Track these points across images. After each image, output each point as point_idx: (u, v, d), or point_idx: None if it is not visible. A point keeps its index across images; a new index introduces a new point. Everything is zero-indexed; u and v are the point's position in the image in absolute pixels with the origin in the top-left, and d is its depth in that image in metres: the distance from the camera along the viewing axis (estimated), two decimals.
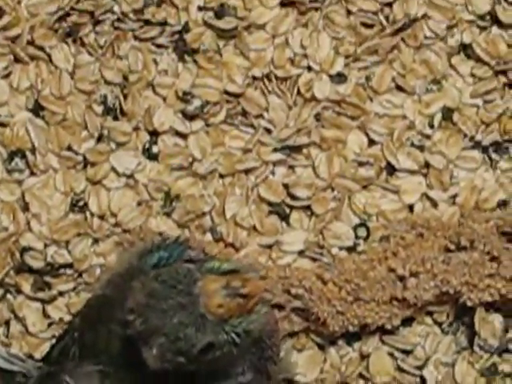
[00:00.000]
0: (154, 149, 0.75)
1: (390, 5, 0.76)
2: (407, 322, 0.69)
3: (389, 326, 0.68)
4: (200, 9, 0.77)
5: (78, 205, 0.72)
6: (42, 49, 0.76)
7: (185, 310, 0.51)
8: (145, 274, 0.57)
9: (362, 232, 0.71)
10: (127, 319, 0.53)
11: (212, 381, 0.58)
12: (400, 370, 0.69)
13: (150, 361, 0.51)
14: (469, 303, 0.67)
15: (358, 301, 0.67)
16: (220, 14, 0.76)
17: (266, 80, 0.76)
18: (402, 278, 0.66)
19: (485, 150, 0.72)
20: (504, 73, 0.73)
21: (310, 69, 0.75)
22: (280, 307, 0.70)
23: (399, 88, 0.73)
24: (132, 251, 0.67)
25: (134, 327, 0.52)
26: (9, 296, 0.72)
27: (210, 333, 0.50)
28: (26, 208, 0.73)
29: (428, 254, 0.67)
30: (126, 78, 0.76)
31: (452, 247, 0.67)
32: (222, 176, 0.73)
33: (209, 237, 0.72)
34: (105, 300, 0.63)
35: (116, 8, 0.77)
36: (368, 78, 0.74)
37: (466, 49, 0.73)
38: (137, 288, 0.54)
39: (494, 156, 0.72)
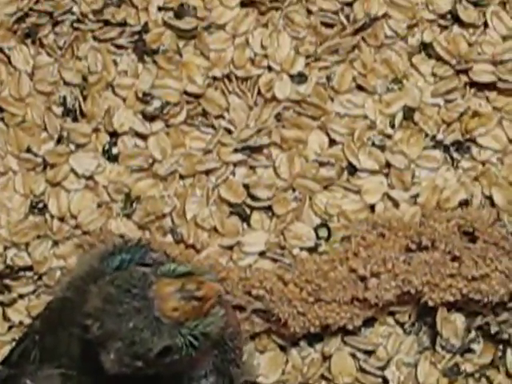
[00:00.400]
0: (114, 150, 0.73)
1: (350, 4, 0.73)
2: (369, 322, 0.67)
3: (350, 327, 0.65)
4: (160, 9, 0.74)
5: (37, 207, 0.70)
6: (0, 50, 0.74)
7: (140, 314, 0.48)
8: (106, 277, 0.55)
9: (323, 232, 0.69)
10: (85, 323, 0.50)
11: (177, 380, 0.55)
12: (362, 370, 0.67)
13: (107, 365, 0.49)
14: (430, 303, 0.65)
15: (319, 301, 0.66)
16: (180, 14, 0.74)
17: (226, 80, 0.73)
18: (363, 279, 0.64)
19: (446, 149, 0.70)
20: (465, 72, 0.72)
21: (270, 69, 0.73)
22: (241, 308, 0.67)
23: (360, 88, 0.71)
24: (93, 253, 0.64)
25: (92, 332, 0.49)
26: None
27: (167, 336, 0.47)
28: None
29: (389, 254, 0.65)
30: (85, 79, 0.73)
31: (413, 247, 0.65)
32: (182, 177, 0.72)
33: (169, 238, 0.69)
34: (65, 303, 0.60)
35: (75, 9, 0.75)
36: (329, 78, 0.73)
37: (426, 48, 0.73)
38: (94, 292, 0.52)
39: (455, 155, 0.70)
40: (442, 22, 0.73)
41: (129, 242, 0.63)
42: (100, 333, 0.50)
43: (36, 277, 0.69)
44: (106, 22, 0.74)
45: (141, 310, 0.49)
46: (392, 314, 0.67)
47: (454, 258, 0.65)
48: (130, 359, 0.49)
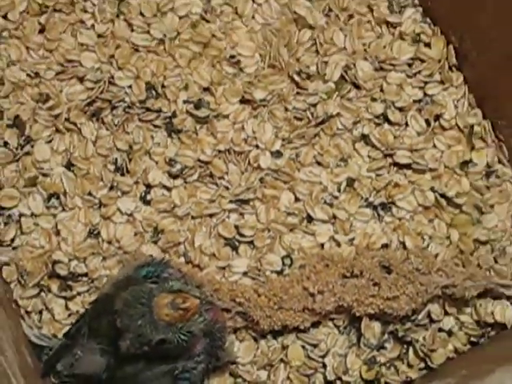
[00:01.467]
0: (148, 197, 0.77)
1: (314, 105, 0.79)
2: (315, 324, 0.71)
3: (302, 327, 0.70)
4: (184, 102, 0.79)
5: (93, 233, 0.74)
6: (74, 124, 0.79)
7: (144, 317, 0.58)
8: (137, 282, 0.63)
9: (288, 261, 0.73)
10: (114, 318, 0.60)
11: (178, 358, 0.63)
12: (309, 357, 0.71)
13: (123, 348, 0.58)
14: (357, 314, 0.69)
15: (281, 309, 0.69)
16: (198, 106, 0.79)
17: (227, 153, 0.78)
18: (312, 295, 0.68)
19: (375, 208, 0.74)
20: (390, 156, 0.77)
21: (257, 147, 0.78)
22: (228, 310, 0.71)
23: (318, 163, 0.75)
24: (130, 265, 0.71)
25: (117, 324, 0.59)
26: (42, 294, 0.73)
27: (161, 333, 0.57)
28: (57, 233, 0.74)
29: (331, 279, 0.69)
30: (131, 147, 0.78)
31: (348, 274, 0.69)
32: (193, 217, 0.74)
33: (182, 259, 0.73)
34: (108, 298, 0.66)
35: (127, 99, 0.80)
36: (297, 155, 0.76)
37: (365, 138, 0.76)
38: (120, 297, 0.60)
39: (381, 213, 0.75)
40: (376, 120, 0.79)
41: (154, 260, 0.70)
42: (120, 325, 0.60)
43: (89, 281, 0.73)
44: (148, 109, 0.80)
45: (145, 313, 0.58)
46: (332, 319, 0.72)
47: (375, 284, 0.68)
48: (138, 345, 0.59)
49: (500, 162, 0.73)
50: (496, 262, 0.72)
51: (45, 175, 0.78)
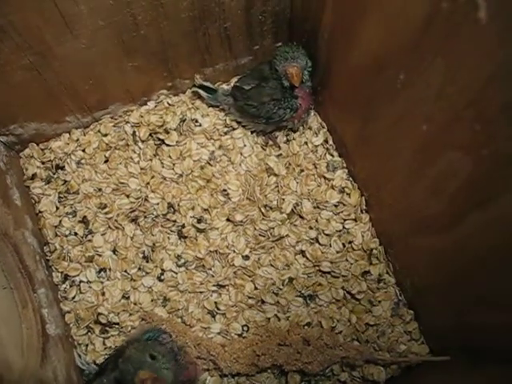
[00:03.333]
0: (162, 277, 0.80)
1: (273, 228, 0.82)
2: (260, 372, 0.73)
3: (248, 373, 0.72)
4: (191, 217, 0.84)
5: (125, 296, 0.77)
6: (120, 225, 0.84)
7: (130, 376, 0.60)
8: (139, 342, 0.64)
9: (246, 328, 0.76)
10: (119, 365, 0.61)
11: None
12: None
13: None
14: (286, 370, 0.71)
15: (237, 362, 0.71)
16: (199, 221, 0.83)
17: (215, 253, 0.82)
18: (258, 355, 0.70)
19: (305, 298, 0.76)
20: (318, 265, 0.81)
21: (234, 251, 0.81)
22: (203, 359, 0.75)
23: (271, 266, 0.79)
24: (139, 330, 0.73)
25: (119, 371, 0.60)
26: (89, 333, 0.75)
27: None
28: (103, 294, 0.78)
29: (270, 346, 0.70)
30: (154, 244, 0.83)
31: (282, 344, 0.70)
32: (189, 292, 0.78)
33: (179, 320, 0.76)
34: (120, 349, 0.69)
35: (154, 212, 0.84)
36: (259, 259, 0.80)
37: (303, 252, 0.78)
38: (124, 354, 0.61)
39: (308, 301, 0.76)
40: (311, 241, 0.82)
41: (154, 327, 0.72)
42: (119, 374, 0.61)
43: (120, 327, 0.75)
44: (167, 219, 0.83)
45: (132, 375, 0.60)
46: (266, 371, 0.73)
47: (298, 352, 0.69)
48: None
49: (387, 273, 0.75)
50: (378, 339, 0.73)
51: (99, 255, 0.79)
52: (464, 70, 0.46)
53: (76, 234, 0.79)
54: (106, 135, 0.82)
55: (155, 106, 0.88)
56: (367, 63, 0.63)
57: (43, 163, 0.79)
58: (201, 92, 0.84)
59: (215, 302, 0.76)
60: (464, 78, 0.46)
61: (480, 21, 0.39)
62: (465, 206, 0.53)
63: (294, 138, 0.82)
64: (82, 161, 0.81)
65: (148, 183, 0.80)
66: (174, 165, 0.81)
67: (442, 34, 0.44)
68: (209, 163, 0.81)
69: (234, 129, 0.82)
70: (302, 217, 0.79)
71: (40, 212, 0.78)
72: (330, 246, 0.77)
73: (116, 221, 0.80)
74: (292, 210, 0.79)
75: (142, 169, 0.81)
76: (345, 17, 0.64)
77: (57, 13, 0.59)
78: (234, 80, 0.87)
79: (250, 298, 0.75)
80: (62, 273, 0.76)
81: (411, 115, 0.54)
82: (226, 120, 0.82)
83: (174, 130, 0.81)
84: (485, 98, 0.44)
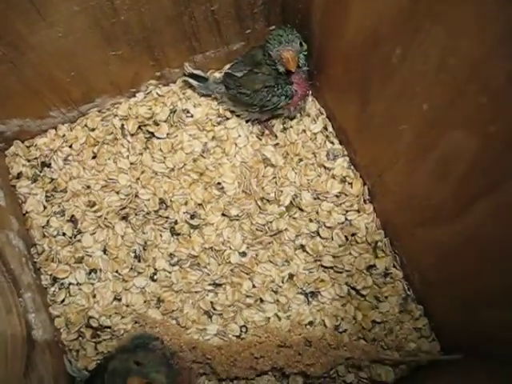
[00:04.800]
0: (155, 277, 0.80)
1: (271, 222, 0.78)
2: (259, 376, 0.71)
3: (248, 376, 0.70)
4: (184, 213, 0.80)
5: (117, 298, 0.76)
6: (110, 223, 0.82)
7: None
8: (129, 350, 0.62)
9: (244, 329, 0.74)
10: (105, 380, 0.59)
11: None
12: None
13: None
14: (287, 372, 0.69)
15: (234, 365, 0.70)
16: (193, 216, 0.80)
17: (210, 250, 0.79)
18: (256, 358, 0.69)
19: (306, 295, 0.75)
20: (319, 260, 0.77)
21: (230, 248, 0.79)
22: (199, 363, 0.74)
23: (270, 262, 0.76)
24: (129, 336, 0.71)
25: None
26: (80, 338, 0.74)
27: None
28: (93, 296, 0.77)
29: (270, 348, 0.69)
30: (146, 242, 0.80)
31: (282, 345, 0.69)
32: (184, 292, 0.77)
33: (174, 322, 0.75)
34: (109, 357, 0.67)
35: (145, 209, 0.82)
36: (256, 255, 0.78)
37: (303, 247, 0.75)
38: (112, 363, 0.60)
39: (310, 299, 0.74)
40: (312, 234, 0.78)
41: (144, 334, 0.70)
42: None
43: (112, 331, 0.74)
44: (159, 216, 0.80)
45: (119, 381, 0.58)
46: (267, 373, 0.71)
47: (300, 354, 0.68)
48: None
49: (394, 266, 0.72)
50: (386, 337, 0.70)
51: (88, 256, 0.80)
52: (465, 38, 0.42)
53: (64, 234, 0.77)
54: (93, 130, 0.80)
55: (144, 98, 0.85)
56: (362, 39, 0.60)
57: (29, 161, 0.78)
58: (191, 81, 0.82)
59: (211, 302, 0.74)
60: (465, 47, 0.42)
61: None
62: (471, 191, 0.49)
63: (291, 126, 0.83)
64: (70, 157, 0.80)
65: (138, 178, 0.78)
66: (165, 158, 0.79)
67: None
68: (202, 155, 0.79)
69: (227, 118, 0.80)
70: (301, 209, 0.78)
71: (27, 212, 0.77)
72: (332, 239, 0.75)
73: (106, 219, 0.80)
74: (291, 202, 0.78)
75: (131, 164, 0.79)
76: None
77: None
78: (226, 67, 0.84)
79: (247, 296, 0.74)
80: (50, 275, 0.74)
81: (410, 93, 0.52)
82: (219, 109, 0.80)
83: (165, 121, 0.80)
84: (489, 66, 0.41)
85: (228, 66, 0.85)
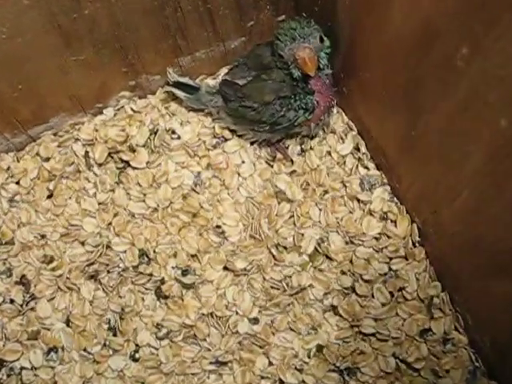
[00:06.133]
0: (137, 355, 0.79)
1: (290, 276, 0.78)
2: None
3: None
4: (173, 268, 0.79)
5: None
6: (75, 284, 0.79)
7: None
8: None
9: None
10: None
11: None
12: None
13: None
14: None
15: None
16: (185, 272, 0.79)
17: (209, 316, 0.78)
18: None
19: (341, 372, 0.74)
20: (357, 326, 0.77)
21: (237, 313, 0.78)
22: None
23: (291, 329, 0.76)
24: None
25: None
26: None
27: None
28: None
29: None
30: (123, 309, 0.78)
31: None
32: (177, 374, 0.78)
33: None
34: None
35: (121, 264, 0.80)
36: (272, 321, 0.78)
37: (334, 308, 0.76)
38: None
39: (346, 377, 0.74)
40: (345, 291, 0.78)
41: None
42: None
43: None
44: (140, 273, 0.80)
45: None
46: None
47: None
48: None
49: (456, 329, 0.72)
50: None
51: (46, 330, 0.79)
52: None
53: (13, 301, 0.76)
54: (47, 159, 0.80)
55: (114, 115, 0.85)
56: (411, 33, 0.59)
57: None
58: (177, 92, 0.81)
59: None
60: None
61: None
62: None
63: (311, 148, 0.83)
64: (17, 197, 0.80)
65: (110, 223, 0.78)
66: (144, 195, 0.79)
67: None
68: (194, 190, 0.80)
69: (226, 140, 0.81)
70: (329, 258, 0.77)
71: None
72: (373, 296, 0.75)
73: (68, 279, 0.80)
74: (315, 248, 0.77)
75: (100, 204, 0.79)
76: None
77: None
78: (222, 72, 0.85)
79: (263, 377, 0.74)
80: None
81: (481, 104, 0.53)
82: (214, 128, 0.80)
83: (143, 146, 0.80)
84: None
85: (225, 70, 0.85)
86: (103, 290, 0.77)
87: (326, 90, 0.75)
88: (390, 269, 0.75)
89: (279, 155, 0.82)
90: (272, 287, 0.75)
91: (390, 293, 0.74)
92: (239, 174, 0.82)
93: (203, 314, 0.75)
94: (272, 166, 0.80)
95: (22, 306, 0.76)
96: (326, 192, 0.79)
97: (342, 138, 0.82)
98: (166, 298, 0.76)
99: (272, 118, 0.73)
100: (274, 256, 0.76)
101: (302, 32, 0.65)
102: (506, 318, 0.65)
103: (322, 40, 0.66)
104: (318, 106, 0.75)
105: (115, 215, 0.79)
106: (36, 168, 0.80)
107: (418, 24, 0.57)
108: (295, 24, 0.66)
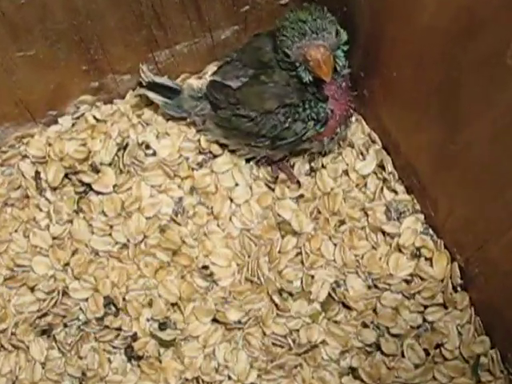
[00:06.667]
0: None
1: (297, 331, 0.78)
2: None
3: None
4: (148, 320, 0.79)
5: None
6: (22, 342, 0.78)
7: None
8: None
9: None
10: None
11: None
12: None
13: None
14: None
15: None
16: (163, 326, 0.78)
17: (195, 382, 0.77)
18: None
19: None
20: None
21: (229, 378, 0.77)
22: None
23: None
24: None
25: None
26: None
27: None
28: None
29: None
30: (84, 373, 0.77)
31: None
32: None
33: None
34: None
35: (81, 316, 0.79)
36: None
37: (353, 371, 0.77)
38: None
39: None
40: (367, 349, 0.78)
41: None
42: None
43: None
44: (106, 327, 0.79)
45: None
46: None
47: None
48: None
49: None
50: None
51: None
52: None
53: None
54: None
55: (72, 126, 0.85)
56: (448, 25, 0.60)
57: None
58: (152, 95, 0.81)
59: None
60: None
61: None
62: None
63: (323, 166, 0.84)
64: None
65: (67, 264, 0.79)
66: (111, 228, 0.80)
67: None
68: (174, 221, 0.80)
69: (214, 156, 0.81)
70: (347, 306, 0.77)
71: None
72: (403, 355, 0.75)
73: (14, 335, 0.80)
74: (329, 294, 0.78)
75: (54, 238, 0.80)
76: None
77: None
78: (210, 70, 0.85)
79: None
80: None
81: None
82: (199, 142, 0.82)
83: (109, 165, 0.81)
84: None
85: (214, 68, 0.86)
86: (59, 348, 0.77)
87: (341, 96, 0.75)
88: (425, 320, 0.76)
89: (283, 176, 0.83)
90: (274, 344, 0.76)
91: (425, 350, 0.74)
92: (232, 200, 0.82)
93: (187, 380, 0.75)
94: (273, 190, 0.80)
95: None
96: (342, 222, 0.80)
97: (362, 154, 0.83)
98: (139, 358, 0.77)
99: (274, 130, 0.72)
100: (276, 305, 0.76)
101: (313, 25, 0.64)
102: None
103: (337, 33, 0.65)
104: (332, 116, 0.74)
105: (74, 253, 0.79)
106: None
107: (454, 14, 0.59)
108: (305, 15, 0.65)
